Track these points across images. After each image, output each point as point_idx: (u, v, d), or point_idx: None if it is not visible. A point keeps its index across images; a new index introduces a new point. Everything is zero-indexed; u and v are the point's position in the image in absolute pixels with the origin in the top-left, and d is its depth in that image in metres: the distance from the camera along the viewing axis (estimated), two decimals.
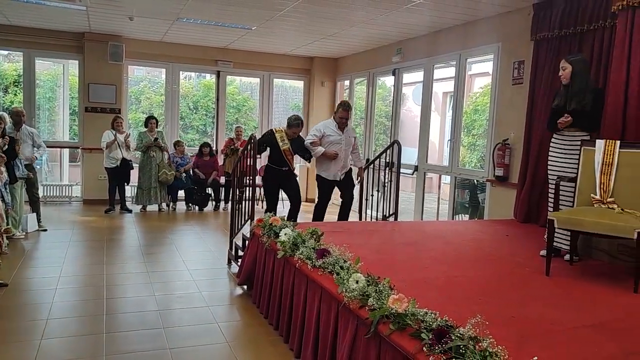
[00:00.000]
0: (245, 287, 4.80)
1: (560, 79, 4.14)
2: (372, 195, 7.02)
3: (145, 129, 8.69)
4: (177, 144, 9.30)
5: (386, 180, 6.83)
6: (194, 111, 12.76)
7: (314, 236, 3.87)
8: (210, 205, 9.40)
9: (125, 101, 9.76)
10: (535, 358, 1.95)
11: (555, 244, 4.10)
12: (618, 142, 3.71)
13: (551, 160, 4.14)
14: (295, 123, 6.05)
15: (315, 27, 7.72)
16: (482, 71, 10.74)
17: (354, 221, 5.94)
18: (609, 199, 3.64)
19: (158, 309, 4.19)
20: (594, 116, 4.02)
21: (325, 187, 6.20)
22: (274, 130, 5.92)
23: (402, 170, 8.53)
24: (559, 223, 3.53)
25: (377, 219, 7.06)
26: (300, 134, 6.31)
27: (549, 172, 4.17)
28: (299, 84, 11.14)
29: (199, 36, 8.89)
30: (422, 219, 7.80)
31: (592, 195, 3.71)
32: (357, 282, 2.87)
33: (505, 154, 6.10)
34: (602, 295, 3.19)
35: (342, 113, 6.03)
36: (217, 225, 8.09)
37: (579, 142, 3.93)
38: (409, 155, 8.58)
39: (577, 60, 4.08)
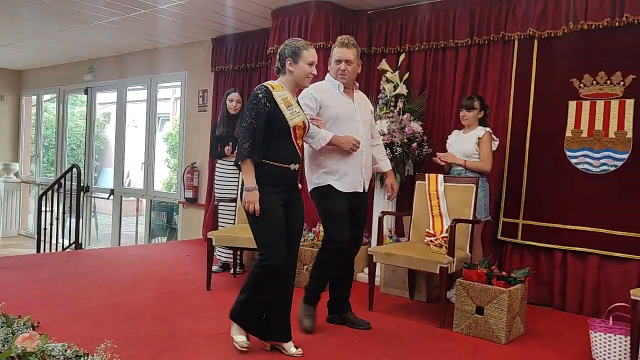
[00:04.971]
0: None
1: (230, 110, 4.53)
2: (57, 219, 6.46)
3: None
4: None
5: (69, 205, 6.39)
6: None
7: None
8: None
9: None
10: None
11: (224, 259, 4.53)
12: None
13: (216, 184, 4.55)
14: (291, 48, 2.70)
15: None
16: None
17: (24, 254, 5.32)
18: None
19: None
20: None
21: (337, 206, 3.03)
22: (269, 86, 2.66)
23: (99, 194, 8.19)
24: (216, 241, 3.89)
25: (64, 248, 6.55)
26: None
27: (215, 194, 4.57)
28: None
29: None
30: (119, 244, 7.56)
31: None
32: None
33: (194, 176, 6.43)
34: None
35: (341, 52, 3.05)
36: None
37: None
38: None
39: (241, 93, 4.59)
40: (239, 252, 4.41)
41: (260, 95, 2.59)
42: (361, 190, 3.10)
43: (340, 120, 3.03)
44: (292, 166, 2.67)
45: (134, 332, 2.90)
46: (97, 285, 3.89)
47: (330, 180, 3.03)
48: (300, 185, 2.87)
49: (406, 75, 4.39)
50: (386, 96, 4.34)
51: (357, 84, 3.22)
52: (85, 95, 8.19)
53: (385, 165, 3.35)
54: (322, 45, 4.71)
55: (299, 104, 2.78)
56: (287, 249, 2.65)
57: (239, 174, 4.40)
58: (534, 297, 3.85)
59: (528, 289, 3.44)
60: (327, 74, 3.17)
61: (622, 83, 3.61)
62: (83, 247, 7.50)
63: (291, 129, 2.64)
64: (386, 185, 3.37)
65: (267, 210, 2.59)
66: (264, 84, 2.68)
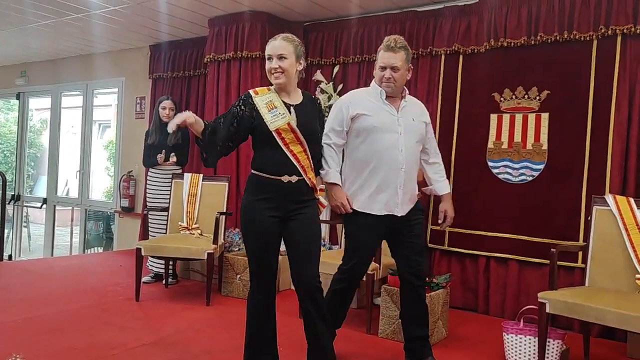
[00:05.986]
0: None
1: (163, 117, 4.49)
2: None
3: None
4: None
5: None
6: None
7: None
8: None
9: None
10: None
11: (156, 270, 4.45)
12: (201, 175, 4.30)
13: (148, 192, 4.48)
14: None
15: None
16: None
17: None
18: (194, 226, 4.15)
19: None
20: (185, 151, 4.55)
21: (361, 234, 2.71)
22: (252, 91, 2.42)
23: (32, 203, 7.85)
24: (145, 251, 3.81)
25: None
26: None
27: (147, 203, 4.49)
28: None
29: None
30: (52, 255, 7.26)
31: (179, 223, 4.17)
32: None
33: (130, 185, 6.28)
34: (177, 312, 3.58)
35: (386, 57, 2.63)
36: None
37: (171, 175, 4.38)
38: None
39: (174, 101, 4.57)
40: (171, 262, 4.34)
41: (242, 101, 2.36)
42: (397, 214, 2.64)
43: (377, 131, 2.62)
44: (285, 178, 2.31)
45: (51, 345, 2.80)
46: (18, 298, 3.74)
47: (362, 202, 2.63)
48: (321, 197, 2.52)
49: (340, 87, 4.48)
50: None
51: (407, 90, 2.76)
52: (17, 101, 7.87)
53: (442, 188, 2.87)
54: (257, 55, 4.74)
55: (295, 106, 2.39)
56: (296, 271, 2.35)
57: (171, 182, 4.36)
58: (460, 302, 4.00)
59: (455, 294, 3.57)
60: (373, 79, 2.75)
61: (538, 98, 3.83)
62: (12, 258, 7.17)
63: (274, 133, 2.30)
64: (439, 211, 2.89)
65: (250, 220, 2.32)
66: (247, 92, 2.42)
